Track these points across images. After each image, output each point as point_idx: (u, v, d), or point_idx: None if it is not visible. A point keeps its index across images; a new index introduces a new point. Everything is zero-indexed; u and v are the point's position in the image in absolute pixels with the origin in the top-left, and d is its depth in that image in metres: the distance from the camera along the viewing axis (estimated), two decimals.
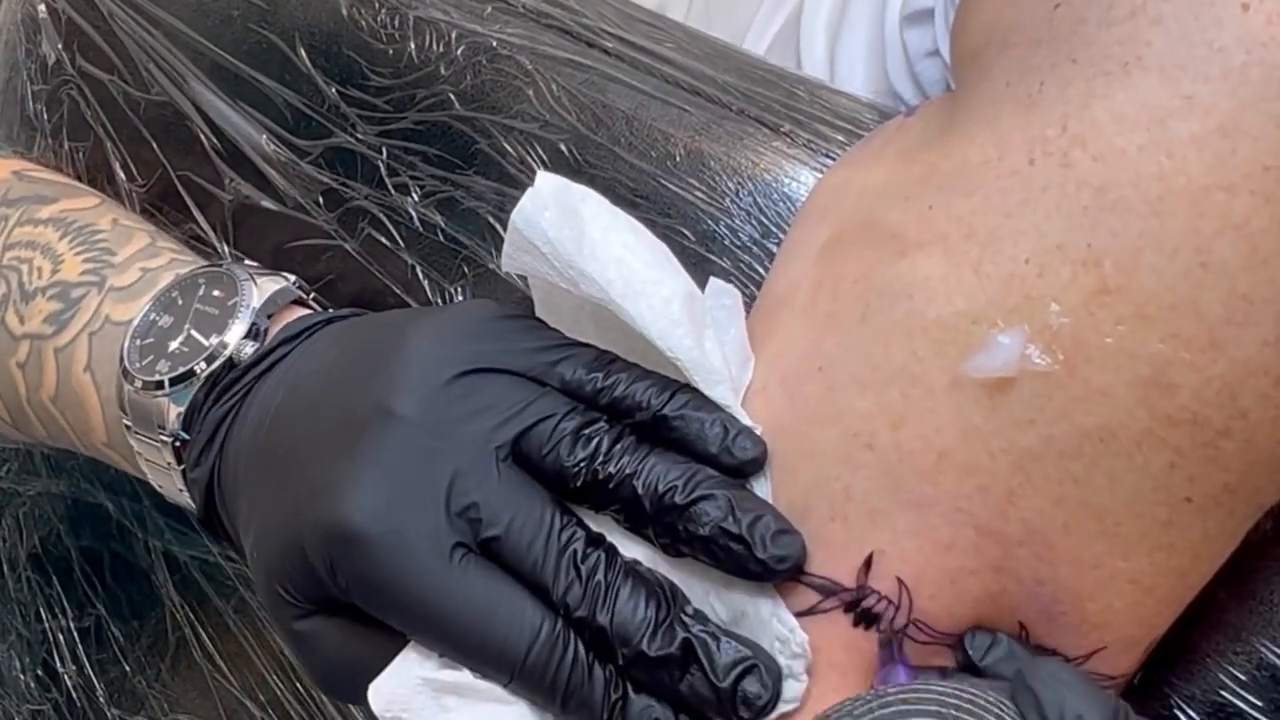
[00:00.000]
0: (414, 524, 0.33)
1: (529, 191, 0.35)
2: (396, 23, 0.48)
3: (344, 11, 0.49)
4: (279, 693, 0.50)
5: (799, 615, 0.32)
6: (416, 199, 0.47)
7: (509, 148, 0.45)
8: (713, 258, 0.41)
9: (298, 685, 0.49)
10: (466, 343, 0.35)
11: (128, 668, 0.54)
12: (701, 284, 0.36)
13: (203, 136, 0.52)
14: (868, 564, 0.32)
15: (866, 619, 0.32)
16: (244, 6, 0.51)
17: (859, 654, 0.32)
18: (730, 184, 0.42)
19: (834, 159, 0.41)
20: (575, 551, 0.33)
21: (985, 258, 0.30)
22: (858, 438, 0.32)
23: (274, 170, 0.50)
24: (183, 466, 0.41)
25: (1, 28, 0.59)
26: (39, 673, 0.57)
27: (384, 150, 0.48)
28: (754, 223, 0.41)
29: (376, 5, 0.48)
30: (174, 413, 0.40)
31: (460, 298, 0.46)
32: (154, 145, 0.53)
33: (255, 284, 0.42)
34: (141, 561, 0.55)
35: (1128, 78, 0.29)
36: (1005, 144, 0.31)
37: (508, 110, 0.45)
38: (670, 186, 0.42)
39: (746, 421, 0.34)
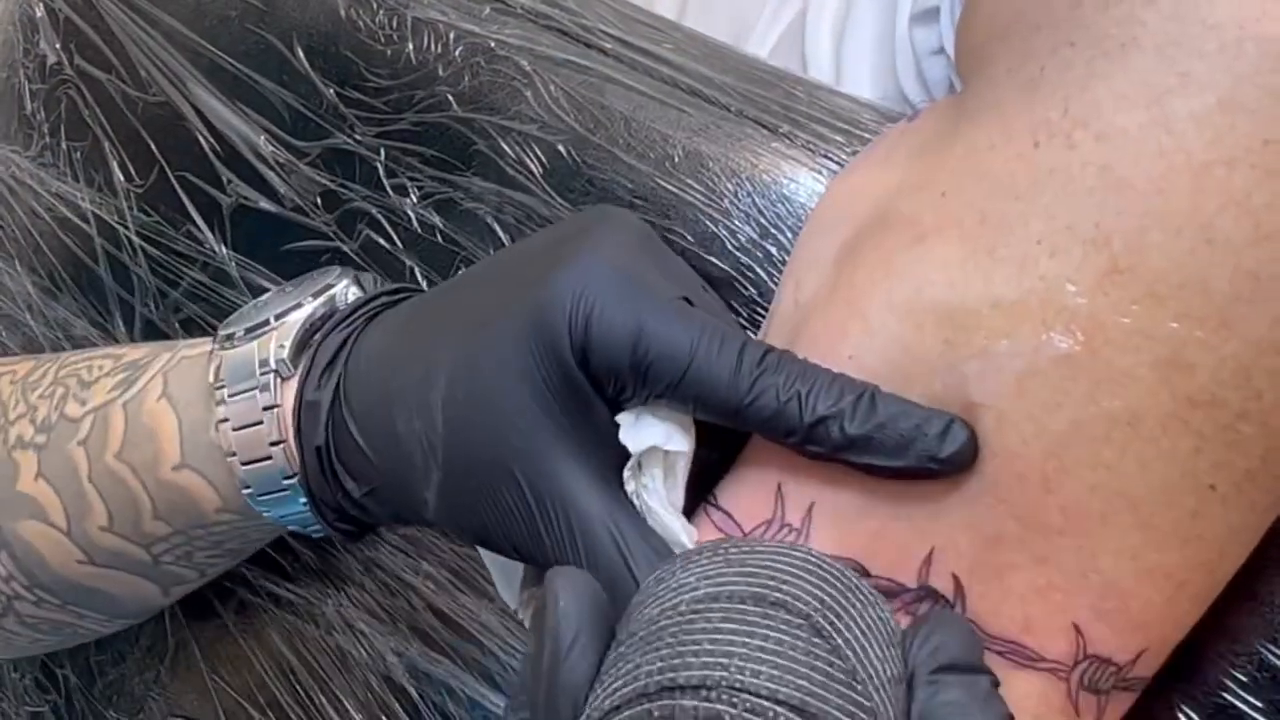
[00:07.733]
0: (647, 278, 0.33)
1: None
2: (394, 24, 0.48)
3: (342, 12, 0.49)
4: (277, 695, 0.49)
5: None
6: (415, 200, 0.47)
7: (507, 149, 0.45)
8: (711, 259, 0.41)
9: (296, 688, 0.49)
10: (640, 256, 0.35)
11: (126, 669, 0.54)
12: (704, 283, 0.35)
13: (201, 137, 0.51)
14: (928, 560, 0.31)
15: None
16: (241, 7, 0.51)
17: None
18: (729, 185, 0.42)
19: (833, 160, 0.41)
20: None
21: (999, 241, 0.30)
22: None
23: (272, 171, 0.50)
24: (277, 407, 0.38)
25: None
26: (38, 675, 0.57)
27: (382, 151, 0.48)
28: (753, 224, 0.41)
29: (374, 6, 0.48)
30: (277, 347, 0.38)
31: None
32: (152, 145, 0.53)
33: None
34: None
35: (1125, 57, 0.29)
36: (1010, 128, 0.31)
37: (506, 111, 0.45)
38: (669, 188, 0.42)
39: None
